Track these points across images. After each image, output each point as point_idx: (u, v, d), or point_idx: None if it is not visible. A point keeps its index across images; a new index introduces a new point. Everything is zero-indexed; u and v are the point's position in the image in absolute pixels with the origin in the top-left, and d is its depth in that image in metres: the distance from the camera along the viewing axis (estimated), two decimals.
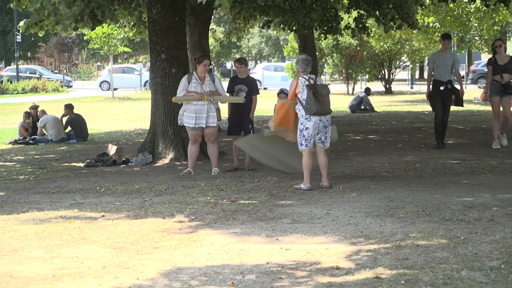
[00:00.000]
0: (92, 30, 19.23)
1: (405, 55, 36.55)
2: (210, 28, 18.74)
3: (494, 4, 14.50)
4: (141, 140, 15.20)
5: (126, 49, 36.24)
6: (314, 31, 19.41)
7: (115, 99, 33.16)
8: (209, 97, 10.62)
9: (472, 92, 31.59)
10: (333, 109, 11.16)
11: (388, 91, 36.04)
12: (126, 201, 8.78)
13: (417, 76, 50.03)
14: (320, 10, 17.45)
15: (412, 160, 11.60)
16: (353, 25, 17.85)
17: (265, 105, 23.26)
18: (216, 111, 10.72)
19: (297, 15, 16.77)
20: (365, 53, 34.79)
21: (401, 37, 31.78)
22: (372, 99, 25.28)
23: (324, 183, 9.23)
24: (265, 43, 77.81)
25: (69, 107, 17.00)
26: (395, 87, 38.12)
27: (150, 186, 9.76)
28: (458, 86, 12.86)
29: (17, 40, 43.63)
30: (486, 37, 33.40)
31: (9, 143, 16.26)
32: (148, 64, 31.35)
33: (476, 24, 29.28)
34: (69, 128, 16.74)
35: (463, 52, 41.63)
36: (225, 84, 11.36)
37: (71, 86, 47.76)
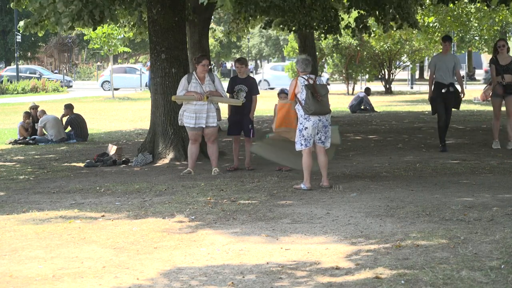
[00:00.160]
0: (93, 30, 19.25)
1: (405, 55, 36.54)
2: (210, 27, 18.73)
3: (496, 4, 14.47)
4: (141, 140, 15.20)
5: (126, 49, 36.24)
6: (314, 31, 19.40)
7: (115, 99, 33.14)
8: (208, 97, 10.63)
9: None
10: (333, 109, 11.16)
11: (388, 91, 36.02)
12: (126, 201, 8.78)
13: (417, 76, 50.03)
14: (320, 10, 17.44)
15: (412, 160, 11.60)
16: (353, 25, 17.84)
17: (265, 105, 23.25)
18: (216, 111, 10.72)
19: (297, 15, 16.77)
20: (365, 53, 34.78)
21: (401, 37, 31.76)
22: (372, 99, 25.27)
23: (324, 183, 9.24)
24: (265, 43, 77.72)
25: (69, 107, 17.00)
26: (395, 87, 38.10)
27: (150, 186, 9.76)
28: (458, 87, 12.85)
29: (17, 40, 43.63)
30: (486, 37, 33.42)
31: (9, 143, 16.25)
32: (148, 63, 31.33)
33: (476, 24, 29.29)
34: (69, 128, 16.73)
35: (463, 52, 41.64)
36: (225, 84, 11.36)
37: (71, 86, 47.76)
